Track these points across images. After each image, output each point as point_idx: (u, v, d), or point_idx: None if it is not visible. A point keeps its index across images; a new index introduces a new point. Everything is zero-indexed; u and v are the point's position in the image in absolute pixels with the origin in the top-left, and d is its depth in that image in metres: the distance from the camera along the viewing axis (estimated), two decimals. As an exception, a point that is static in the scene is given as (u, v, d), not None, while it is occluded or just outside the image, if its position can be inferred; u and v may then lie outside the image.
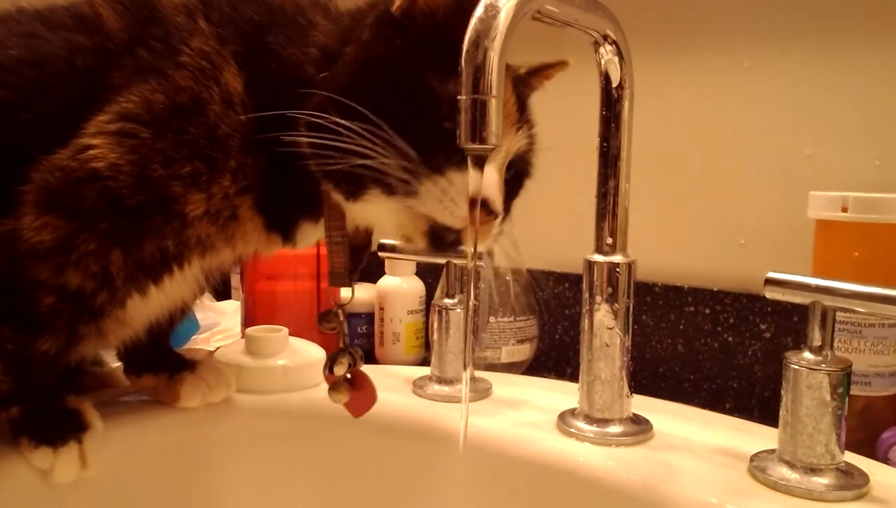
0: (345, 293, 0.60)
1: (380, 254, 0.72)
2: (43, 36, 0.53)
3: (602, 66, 0.56)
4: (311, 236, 0.57)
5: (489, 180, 0.48)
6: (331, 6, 0.56)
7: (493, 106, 0.42)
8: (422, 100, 0.47)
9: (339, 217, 0.55)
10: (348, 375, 0.60)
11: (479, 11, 0.43)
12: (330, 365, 0.59)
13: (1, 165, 0.50)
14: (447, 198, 0.48)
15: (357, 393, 0.60)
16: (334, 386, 0.59)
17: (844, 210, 0.65)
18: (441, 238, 0.50)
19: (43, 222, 0.49)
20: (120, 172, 0.49)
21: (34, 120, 0.51)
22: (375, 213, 0.52)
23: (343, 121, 0.46)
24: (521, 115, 0.52)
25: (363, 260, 0.62)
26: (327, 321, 0.60)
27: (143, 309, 0.55)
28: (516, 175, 0.53)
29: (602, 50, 0.55)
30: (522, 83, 0.55)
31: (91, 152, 0.48)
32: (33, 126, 0.51)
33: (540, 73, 0.57)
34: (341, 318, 0.60)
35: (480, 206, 0.47)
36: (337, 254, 0.57)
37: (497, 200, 0.49)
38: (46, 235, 0.49)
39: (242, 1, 0.53)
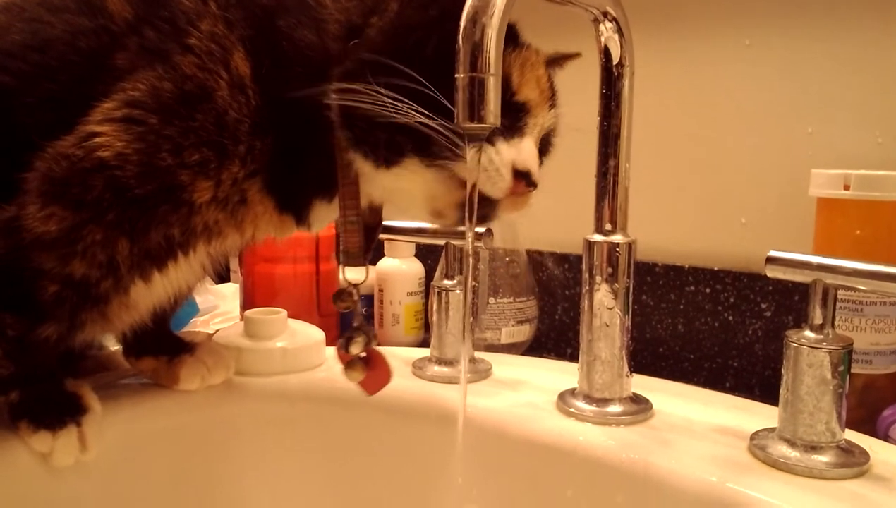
0: (357, 273, 0.59)
1: (379, 235, 0.72)
2: (46, 20, 0.52)
3: (602, 44, 0.55)
4: (325, 217, 0.57)
5: (529, 152, 0.50)
6: None
7: (492, 84, 0.42)
8: None
9: (354, 195, 0.54)
10: (363, 354, 0.59)
11: (476, -12, 0.42)
12: (346, 344, 0.58)
13: (3, 151, 0.49)
14: (493, 167, 0.48)
15: (372, 371, 0.59)
16: (350, 364, 0.59)
17: (846, 188, 0.64)
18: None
19: (49, 212, 0.48)
20: (127, 162, 0.48)
21: (37, 103, 0.50)
22: (406, 184, 0.51)
23: (383, 90, 0.46)
24: (553, 95, 0.53)
25: (375, 240, 0.62)
26: (342, 300, 0.59)
27: (147, 295, 0.54)
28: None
29: (602, 27, 0.54)
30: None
31: (97, 140, 0.48)
32: (36, 109, 0.50)
33: (555, 62, 0.57)
34: (356, 297, 0.59)
35: (521, 177, 0.49)
36: (351, 233, 0.56)
37: (537, 172, 0.50)
38: (52, 225, 0.48)
39: None
